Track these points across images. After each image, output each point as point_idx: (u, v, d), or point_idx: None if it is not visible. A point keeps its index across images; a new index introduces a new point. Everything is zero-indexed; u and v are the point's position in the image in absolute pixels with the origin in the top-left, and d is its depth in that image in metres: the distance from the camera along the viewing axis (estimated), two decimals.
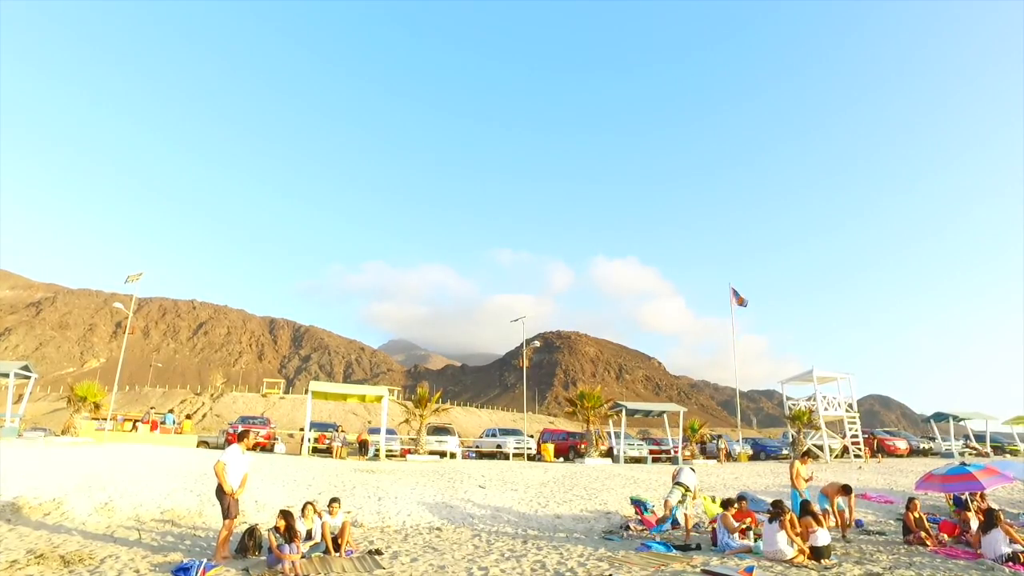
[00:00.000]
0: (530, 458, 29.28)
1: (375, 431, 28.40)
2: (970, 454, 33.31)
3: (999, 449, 37.81)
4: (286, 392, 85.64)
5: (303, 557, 8.67)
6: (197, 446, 26.26)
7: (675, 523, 12.38)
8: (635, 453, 28.95)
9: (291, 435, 37.97)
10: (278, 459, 21.94)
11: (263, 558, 8.85)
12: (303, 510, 9.60)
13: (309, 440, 26.60)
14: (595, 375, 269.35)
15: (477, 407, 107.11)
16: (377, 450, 26.03)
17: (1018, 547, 9.80)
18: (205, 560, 8.35)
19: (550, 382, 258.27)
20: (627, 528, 12.44)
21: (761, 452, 33.04)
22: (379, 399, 29.65)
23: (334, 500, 10.25)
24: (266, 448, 27.11)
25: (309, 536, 9.35)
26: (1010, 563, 9.51)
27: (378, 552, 9.60)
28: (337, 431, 28.52)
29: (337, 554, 9.23)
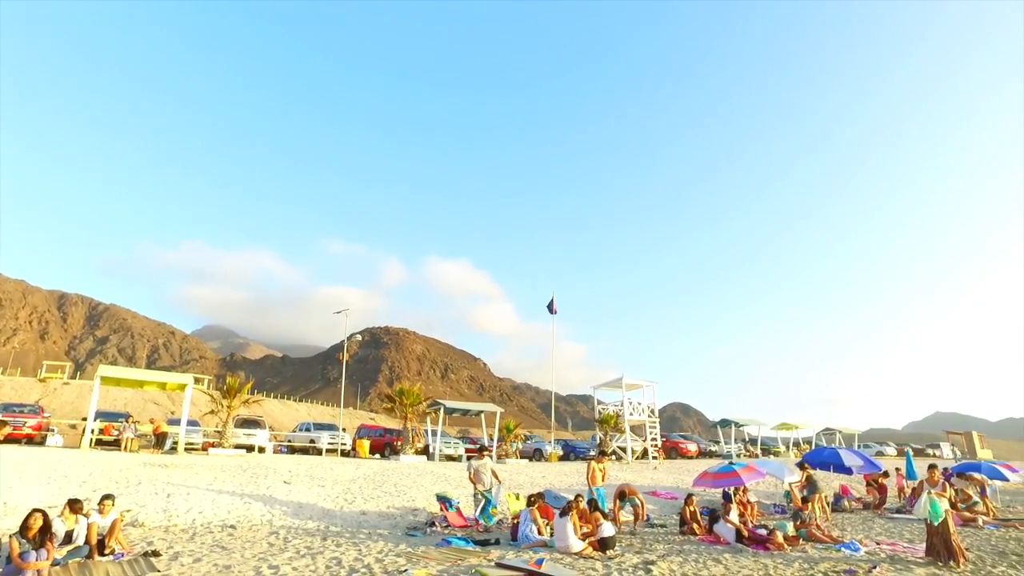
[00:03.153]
0: (344, 454, 28.58)
1: (175, 422, 25.97)
2: (745, 455, 38.15)
3: (767, 451, 43.76)
4: (73, 377, 74.89)
5: (56, 564, 7.56)
6: None
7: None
8: (451, 451, 29.34)
9: (73, 426, 33.51)
10: (49, 453, 19.16)
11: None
12: (64, 509, 8.47)
13: (92, 431, 23.61)
14: (421, 373, 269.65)
15: (296, 400, 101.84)
16: (175, 442, 23.79)
17: (738, 528, 11.89)
18: None
19: (375, 378, 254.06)
20: (432, 524, 12.58)
21: (571, 453, 35.06)
22: (183, 387, 27.09)
23: (107, 497, 9.17)
24: (35, 440, 23.63)
25: (69, 539, 8.24)
26: (756, 545, 11.27)
27: (155, 554, 8.71)
28: (128, 421, 25.60)
29: (103, 558, 8.24)
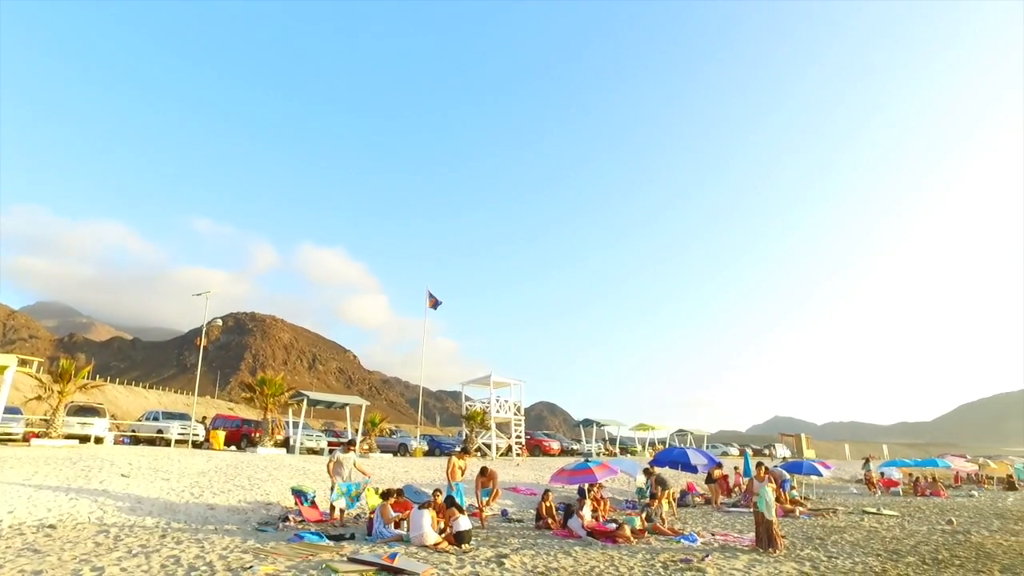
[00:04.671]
0: (197, 445, 26.71)
1: None
2: (604, 454, 40.03)
3: (624, 450, 46.22)
4: None
5: None
6: None
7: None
8: (313, 444, 28.39)
9: None
10: None
11: None
12: None
13: None
14: (287, 362, 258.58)
15: (146, 387, 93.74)
16: None
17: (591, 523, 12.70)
18: None
19: (237, 366, 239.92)
20: (285, 519, 12.09)
21: (436, 448, 35.03)
22: (3, 369, 23.93)
23: None
24: None
25: None
26: (605, 538, 11.95)
27: None
28: None
29: None
